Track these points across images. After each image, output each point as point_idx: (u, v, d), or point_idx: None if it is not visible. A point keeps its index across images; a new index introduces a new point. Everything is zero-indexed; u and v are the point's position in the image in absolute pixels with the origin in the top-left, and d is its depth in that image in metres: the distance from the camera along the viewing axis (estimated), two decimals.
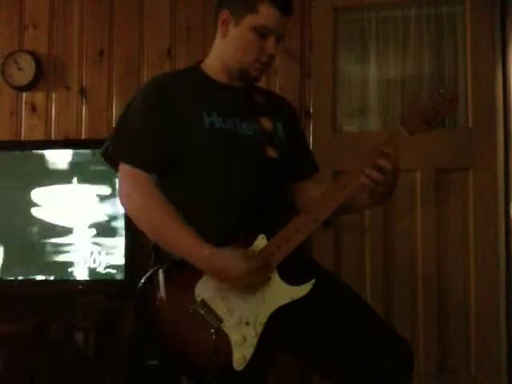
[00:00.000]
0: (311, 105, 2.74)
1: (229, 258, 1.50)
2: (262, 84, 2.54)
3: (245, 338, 1.49)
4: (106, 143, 1.69)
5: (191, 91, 1.70)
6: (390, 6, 2.77)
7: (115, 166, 1.67)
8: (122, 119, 1.70)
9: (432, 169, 2.63)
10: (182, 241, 1.54)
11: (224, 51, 1.71)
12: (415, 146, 2.54)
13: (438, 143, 2.62)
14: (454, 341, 2.57)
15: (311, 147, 2.64)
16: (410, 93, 2.72)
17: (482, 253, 2.57)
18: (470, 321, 2.56)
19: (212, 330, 1.48)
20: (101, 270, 2.58)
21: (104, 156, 1.71)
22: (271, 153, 1.69)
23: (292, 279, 1.52)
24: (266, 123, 1.72)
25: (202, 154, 1.63)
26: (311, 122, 2.73)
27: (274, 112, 1.77)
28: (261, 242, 1.54)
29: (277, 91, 2.60)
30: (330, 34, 2.75)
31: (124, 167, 1.63)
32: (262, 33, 1.64)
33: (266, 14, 1.62)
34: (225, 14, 1.68)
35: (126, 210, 1.66)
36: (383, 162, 1.51)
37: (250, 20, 1.64)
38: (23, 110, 2.98)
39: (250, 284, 1.51)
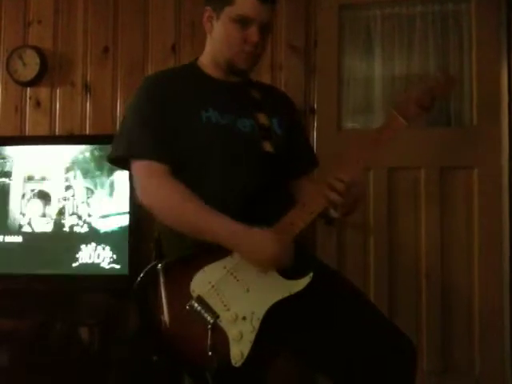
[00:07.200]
0: (316, 101, 2.73)
1: (262, 236, 1.48)
2: (266, 80, 2.57)
3: (242, 334, 1.47)
4: (111, 147, 1.68)
5: (188, 87, 1.70)
6: (395, 3, 2.76)
7: (125, 167, 1.67)
8: (124, 119, 1.70)
9: (436, 167, 2.63)
10: (211, 221, 1.52)
11: (213, 47, 1.73)
12: (420, 143, 2.57)
13: (443, 141, 2.61)
14: (457, 339, 2.57)
15: (315, 144, 2.66)
16: None
17: (486, 251, 2.56)
18: (474, 319, 2.56)
19: (209, 326, 1.47)
20: (105, 265, 2.59)
21: (111, 160, 1.70)
22: (268, 147, 1.68)
23: (290, 274, 1.50)
24: (262, 119, 1.71)
25: (199, 148, 1.63)
26: (316, 118, 2.73)
27: (271, 107, 1.76)
28: None
29: (281, 88, 2.59)
30: (335, 31, 2.74)
31: (136, 164, 1.62)
32: (242, 23, 1.63)
33: (242, 3, 1.62)
34: (207, 11, 1.70)
35: (147, 205, 1.60)
36: (338, 186, 1.48)
37: (228, 12, 1.64)
38: (28, 106, 2.99)
39: (279, 263, 1.48)
